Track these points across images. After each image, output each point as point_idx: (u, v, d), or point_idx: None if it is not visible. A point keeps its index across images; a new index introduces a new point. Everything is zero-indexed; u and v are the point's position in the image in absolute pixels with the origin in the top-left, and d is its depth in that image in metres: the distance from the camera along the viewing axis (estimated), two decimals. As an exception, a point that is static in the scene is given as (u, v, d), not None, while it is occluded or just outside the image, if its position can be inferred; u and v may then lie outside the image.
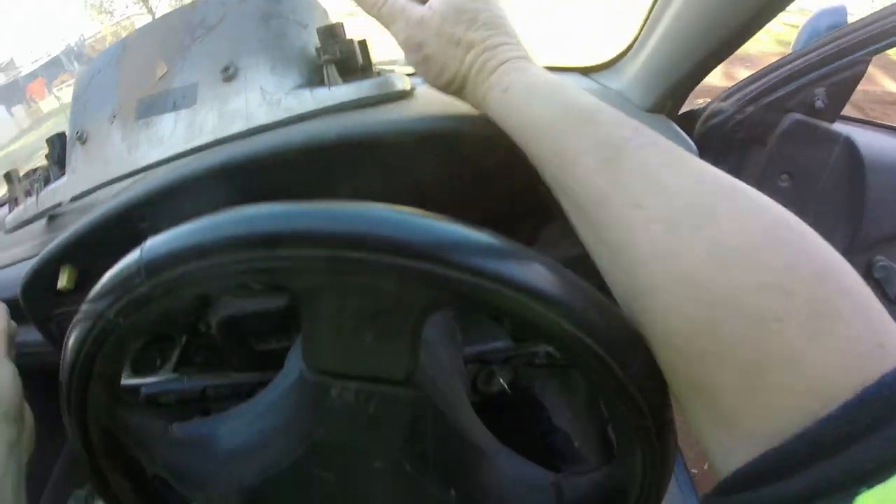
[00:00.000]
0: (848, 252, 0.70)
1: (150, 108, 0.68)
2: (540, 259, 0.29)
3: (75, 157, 0.75)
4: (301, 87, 0.64)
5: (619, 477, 0.38)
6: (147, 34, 0.72)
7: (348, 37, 0.66)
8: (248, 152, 0.58)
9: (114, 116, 0.71)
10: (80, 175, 0.73)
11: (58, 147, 0.81)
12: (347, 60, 0.65)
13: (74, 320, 0.36)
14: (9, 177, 0.95)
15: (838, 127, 0.69)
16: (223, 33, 0.66)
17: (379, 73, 0.68)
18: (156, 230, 0.67)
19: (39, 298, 0.86)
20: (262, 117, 0.61)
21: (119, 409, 0.42)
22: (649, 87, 0.72)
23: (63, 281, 0.75)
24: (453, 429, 0.39)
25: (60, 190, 0.75)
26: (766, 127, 0.69)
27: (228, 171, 0.58)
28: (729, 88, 0.72)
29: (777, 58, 0.72)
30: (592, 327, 0.29)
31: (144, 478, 0.47)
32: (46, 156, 0.83)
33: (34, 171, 0.88)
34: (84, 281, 0.76)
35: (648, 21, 0.73)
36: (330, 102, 0.61)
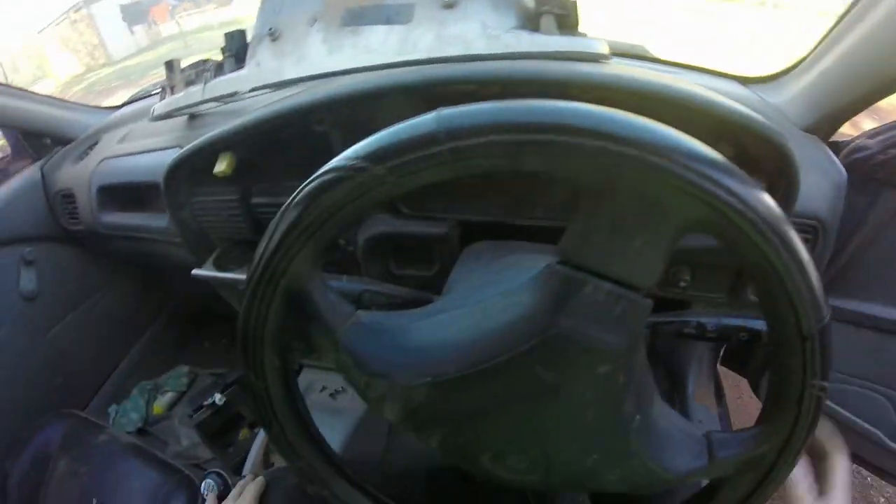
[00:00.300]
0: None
1: (360, 17, 0.66)
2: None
3: (262, 52, 0.73)
4: (517, 28, 0.63)
5: (766, 435, 0.39)
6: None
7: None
8: (467, 74, 0.56)
9: (314, 20, 0.68)
10: (265, 68, 0.71)
11: (237, 42, 0.79)
12: (564, 15, 0.64)
13: (321, 172, 0.34)
14: (170, 65, 0.94)
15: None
16: None
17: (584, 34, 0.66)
18: (331, 136, 0.66)
19: (182, 182, 0.85)
20: (482, 48, 0.61)
21: (317, 279, 0.39)
22: (812, 107, 0.70)
23: (222, 166, 0.73)
24: (648, 359, 0.41)
25: (240, 80, 0.73)
26: None
27: (438, 89, 0.57)
28: (878, 128, 0.70)
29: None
30: (807, 277, 0.32)
31: (291, 365, 0.45)
32: (222, 49, 0.81)
33: (203, 62, 0.87)
34: (238, 172, 0.74)
35: (825, 43, 0.71)
36: (546, 48, 0.61)
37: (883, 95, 0.64)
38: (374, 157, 0.32)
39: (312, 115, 0.65)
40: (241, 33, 0.80)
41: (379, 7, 0.66)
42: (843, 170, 0.66)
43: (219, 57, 0.87)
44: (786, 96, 0.75)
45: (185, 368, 1.46)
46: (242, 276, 0.83)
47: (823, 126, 0.70)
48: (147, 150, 1.10)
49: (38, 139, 1.42)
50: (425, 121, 0.31)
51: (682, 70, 0.85)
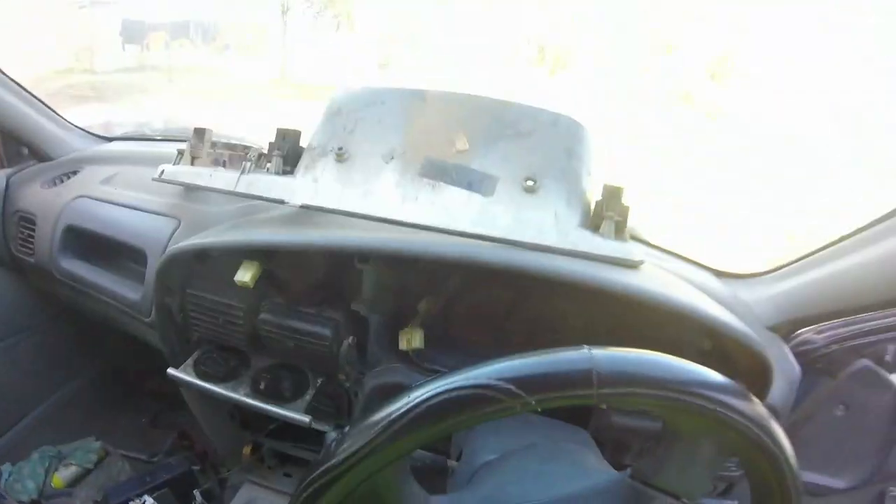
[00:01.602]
0: (871, 478, 0.79)
1: (442, 173, 0.62)
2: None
3: (323, 168, 0.66)
4: (581, 226, 0.63)
5: None
6: (450, 101, 0.68)
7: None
8: (538, 268, 0.58)
9: (391, 156, 0.64)
10: (324, 187, 0.65)
11: (290, 142, 0.72)
12: (622, 222, 0.65)
13: (466, 385, 0.32)
14: (200, 133, 0.86)
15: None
16: (532, 145, 0.64)
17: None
18: (365, 274, 0.66)
19: (183, 269, 0.75)
20: (552, 240, 0.61)
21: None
22: (781, 311, 0.76)
23: (247, 276, 0.65)
24: None
25: (292, 189, 0.66)
26: (840, 364, 0.77)
27: (512, 275, 0.58)
28: (823, 325, 0.79)
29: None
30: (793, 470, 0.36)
31: None
32: (271, 144, 0.75)
33: (245, 148, 0.79)
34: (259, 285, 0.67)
35: (805, 261, 0.79)
36: (604, 252, 0.62)
37: (849, 315, 0.74)
38: (527, 386, 0.31)
39: (369, 255, 0.60)
40: (296, 135, 0.73)
41: (463, 169, 0.63)
42: (797, 368, 0.72)
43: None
44: (757, 296, 0.81)
45: (95, 443, 1.22)
46: (224, 392, 0.72)
47: (786, 328, 0.77)
48: (134, 206, 0.97)
49: (17, 145, 1.24)
50: (579, 359, 0.32)
51: (668, 255, 0.89)
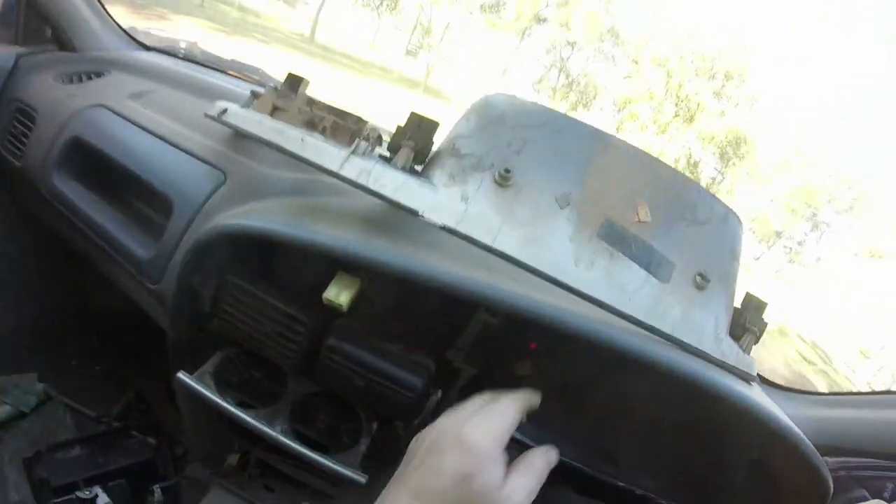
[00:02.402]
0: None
1: (621, 241, 0.52)
2: None
3: (477, 186, 0.53)
4: (729, 335, 0.59)
5: None
6: (636, 159, 0.58)
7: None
8: (697, 376, 0.50)
9: (567, 203, 0.52)
10: (480, 215, 0.51)
11: (425, 134, 0.58)
12: (759, 337, 0.61)
13: None
14: (294, 82, 0.70)
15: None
16: (705, 237, 0.57)
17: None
18: (474, 320, 0.58)
19: (233, 253, 0.58)
20: (709, 346, 0.54)
21: None
22: (822, 436, 0.76)
23: (342, 297, 0.52)
24: None
25: (433, 204, 0.52)
26: (841, 488, 0.78)
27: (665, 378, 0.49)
28: (839, 459, 0.80)
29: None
30: None
31: None
32: (399, 128, 0.59)
33: (359, 121, 0.64)
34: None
35: (862, 398, 0.82)
36: (741, 366, 0.57)
37: (869, 456, 0.78)
38: None
39: (508, 311, 0.48)
40: (433, 127, 0.59)
41: (645, 246, 0.54)
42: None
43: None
44: (796, 412, 0.80)
45: (38, 384, 1.02)
46: (257, 424, 0.57)
47: (821, 451, 0.73)
48: (166, 139, 0.79)
49: (41, 23, 1.04)
50: None
51: None
